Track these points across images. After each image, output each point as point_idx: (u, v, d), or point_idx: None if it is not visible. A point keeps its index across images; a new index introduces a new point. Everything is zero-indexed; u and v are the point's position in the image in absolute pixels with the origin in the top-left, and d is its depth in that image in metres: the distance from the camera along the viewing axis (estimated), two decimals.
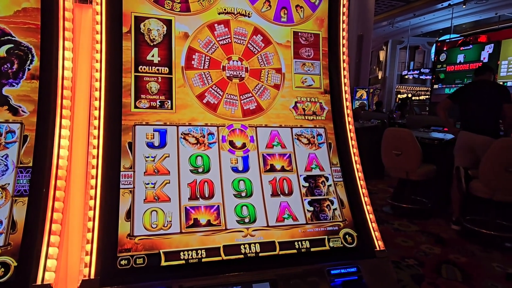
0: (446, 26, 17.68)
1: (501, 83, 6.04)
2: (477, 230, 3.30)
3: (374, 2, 12.94)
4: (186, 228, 1.15)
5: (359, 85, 12.99)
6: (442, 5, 15.31)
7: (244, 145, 1.34)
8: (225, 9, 1.40)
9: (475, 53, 6.84)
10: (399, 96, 21.82)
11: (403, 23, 18.59)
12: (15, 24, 1.11)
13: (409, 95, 21.42)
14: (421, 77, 20.30)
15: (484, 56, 6.64)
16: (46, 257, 0.98)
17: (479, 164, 3.21)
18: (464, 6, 14.52)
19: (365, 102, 12.87)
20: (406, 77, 21.30)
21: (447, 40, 7.96)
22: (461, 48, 7.13)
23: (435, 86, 7.57)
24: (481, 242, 3.22)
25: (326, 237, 1.28)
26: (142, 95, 1.25)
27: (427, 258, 2.90)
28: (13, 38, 1.11)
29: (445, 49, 7.49)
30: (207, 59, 1.36)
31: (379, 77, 22.75)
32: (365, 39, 12.28)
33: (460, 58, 7.11)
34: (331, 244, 1.27)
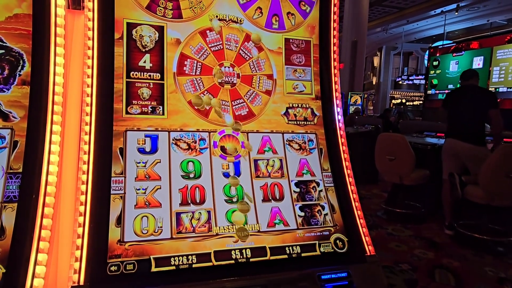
0: (439, 32, 17.90)
1: (492, 89, 6.12)
2: (470, 235, 3.32)
3: (368, 9, 13.07)
4: (177, 234, 1.15)
5: (354, 91, 13.06)
6: (435, 11, 15.51)
7: (235, 150, 1.35)
8: (217, 16, 1.41)
9: (467, 59, 6.93)
10: (393, 101, 21.99)
11: (396, 29, 18.78)
12: (6, 30, 1.11)
13: (403, 100, 21.61)
14: (406, 82, 20.51)
15: (479, 62, 6.71)
16: (35, 264, 0.98)
17: (479, 171, 3.20)
18: (456, 13, 14.72)
19: (359, 107, 12.94)
20: (400, 82, 21.48)
21: (440, 47, 8.06)
22: (454, 54, 7.22)
23: (429, 92, 7.65)
24: (473, 247, 3.23)
25: (317, 242, 1.29)
26: (133, 101, 1.26)
27: (421, 262, 2.91)
28: (4, 44, 1.11)
29: (438, 55, 7.58)
30: (199, 65, 1.37)
31: (373, 83, 22.90)
32: (359, 45, 12.39)
33: (453, 64, 7.20)
34: (322, 249, 1.28)
